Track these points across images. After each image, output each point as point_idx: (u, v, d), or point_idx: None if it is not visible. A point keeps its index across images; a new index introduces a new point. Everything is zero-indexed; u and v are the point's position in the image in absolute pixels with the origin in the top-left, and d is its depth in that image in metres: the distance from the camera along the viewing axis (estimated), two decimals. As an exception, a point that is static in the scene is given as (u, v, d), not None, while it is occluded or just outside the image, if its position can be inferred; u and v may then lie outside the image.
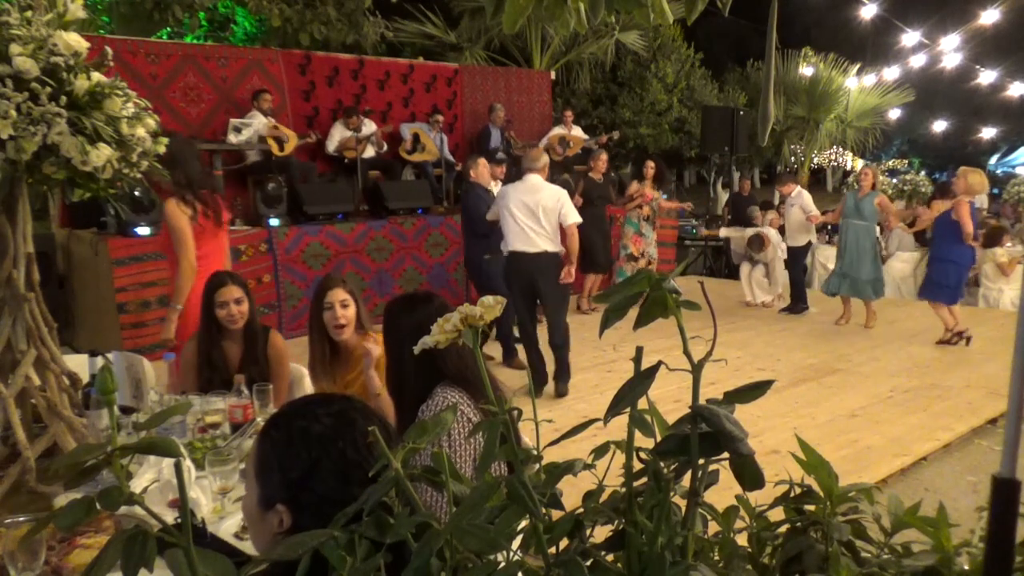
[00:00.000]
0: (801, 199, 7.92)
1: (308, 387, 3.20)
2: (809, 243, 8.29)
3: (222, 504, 2.00)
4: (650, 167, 8.41)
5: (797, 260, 8.14)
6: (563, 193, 5.30)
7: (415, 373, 2.07)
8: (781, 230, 9.35)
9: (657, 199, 8.39)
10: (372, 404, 2.83)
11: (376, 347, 2.73)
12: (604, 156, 8.17)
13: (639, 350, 0.79)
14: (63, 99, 2.17)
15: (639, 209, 8.23)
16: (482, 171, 6.29)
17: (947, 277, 6.67)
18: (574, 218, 5.28)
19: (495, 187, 6.68)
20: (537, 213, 5.21)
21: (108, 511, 0.75)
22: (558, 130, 10.17)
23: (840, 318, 7.60)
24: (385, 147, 8.78)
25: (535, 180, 5.34)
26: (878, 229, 10.87)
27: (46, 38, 2.20)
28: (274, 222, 7.04)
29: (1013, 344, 0.63)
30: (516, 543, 0.76)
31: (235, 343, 3.10)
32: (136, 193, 6.07)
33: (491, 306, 0.84)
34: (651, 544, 0.74)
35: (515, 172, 9.07)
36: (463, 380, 2.05)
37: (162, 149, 2.54)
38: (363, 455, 1.10)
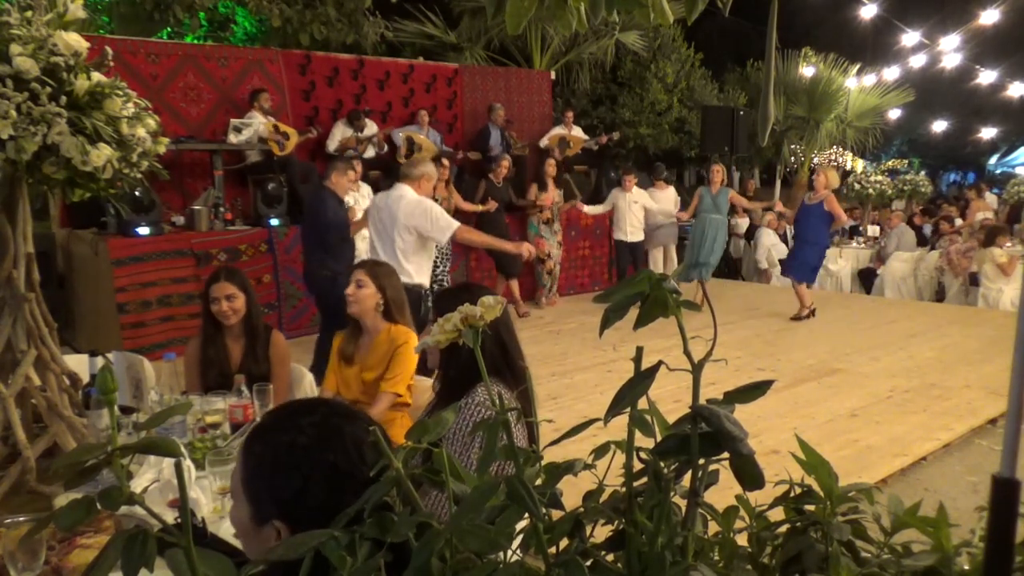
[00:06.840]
0: (643, 196, 8.75)
1: (308, 387, 3.20)
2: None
3: (222, 504, 2.00)
4: (551, 165, 8.63)
5: (622, 254, 8.95)
6: (428, 204, 4.46)
7: (462, 365, 2.10)
8: (750, 230, 9.98)
9: (559, 203, 8.58)
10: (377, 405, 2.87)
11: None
12: (506, 161, 8.40)
13: (639, 350, 0.79)
14: (63, 99, 2.17)
15: (539, 213, 8.49)
16: (339, 180, 5.32)
17: (814, 258, 7.70)
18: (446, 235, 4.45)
19: (351, 199, 6.11)
20: (392, 230, 4.44)
21: (108, 511, 0.75)
22: (558, 130, 10.16)
23: (697, 298, 8.02)
24: (385, 148, 8.78)
25: (401, 190, 4.53)
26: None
27: (46, 38, 2.20)
28: (274, 222, 7.05)
29: (1013, 344, 0.63)
30: (516, 543, 0.76)
31: (236, 340, 3.10)
32: (136, 193, 6.07)
33: (491, 306, 0.84)
34: (651, 544, 0.74)
35: (517, 173, 9.11)
36: (497, 373, 2.08)
37: (162, 149, 2.54)
38: (354, 463, 1.07)
